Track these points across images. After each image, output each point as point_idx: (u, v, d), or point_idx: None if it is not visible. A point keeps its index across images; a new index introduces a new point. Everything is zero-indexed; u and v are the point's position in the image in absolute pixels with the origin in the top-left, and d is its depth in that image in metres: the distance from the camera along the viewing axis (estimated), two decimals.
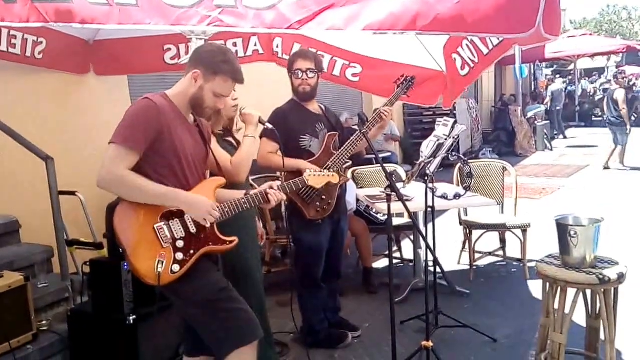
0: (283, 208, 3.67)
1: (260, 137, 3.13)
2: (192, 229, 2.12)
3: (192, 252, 2.10)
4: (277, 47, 4.20)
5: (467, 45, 3.42)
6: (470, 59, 3.48)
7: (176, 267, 2.07)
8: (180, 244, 2.09)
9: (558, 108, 14.97)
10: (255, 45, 4.26)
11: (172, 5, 1.99)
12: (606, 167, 9.46)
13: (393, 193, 2.53)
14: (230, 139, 2.81)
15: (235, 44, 4.19)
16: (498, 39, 3.03)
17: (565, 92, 16.57)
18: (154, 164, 2.07)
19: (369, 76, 4.18)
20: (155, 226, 2.07)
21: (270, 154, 3.10)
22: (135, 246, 2.06)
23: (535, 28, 1.72)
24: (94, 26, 2.15)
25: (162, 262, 2.05)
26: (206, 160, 2.32)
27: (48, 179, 3.45)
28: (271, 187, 2.28)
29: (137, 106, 2.06)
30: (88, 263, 3.17)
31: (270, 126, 2.61)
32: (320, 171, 2.43)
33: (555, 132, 14.58)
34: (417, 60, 4.01)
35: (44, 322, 3.27)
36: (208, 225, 2.11)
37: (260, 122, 2.61)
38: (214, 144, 2.58)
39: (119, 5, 2.00)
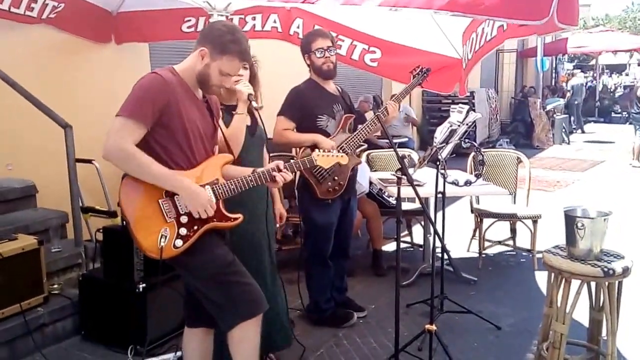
0: (296, 186, 3.70)
1: (278, 115, 3.15)
2: None
3: (195, 227, 2.10)
4: (298, 27, 4.18)
5: (482, 29, 3.39)
6: (478, 44, 3.46)
7: (179, 242, 2.07)
8: (184, 219, 2.09)
9: (577, 102, 14.75)
10: (275, 22, 4.25)
11: None
12: (636, 165, 9.30)
13: (403, 176, 2.53)
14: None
15: (254, 18, 4.19)
16: (504, 27, 3.01)
17: (586, 86, 16.30)
18: (160, 137, 2.07)
19: (387, 62, 4.15)
20: (160, 201, 2.07)
21: (286, 131, 3.12)
22: (139, 219, 2.06)
23: (549, 17, 1.70)
24: None
25: (165, 237, 2.05)
26: (214, 135, 2.31)
27: (66, 147, 3.52)
28: (278, 167, 2.25)
29: (145, 80, 2.05)
30: (101, 230, 3.25)
31: (256, 105, 2.50)
32: (330, 151, 2.39)
33: (574, 127, 14.40)
34: (436, 47, 3.97)
35: (55, 286, 3.35)
36: (204, 216, 2.10)
37: (249, 99, 2.53)
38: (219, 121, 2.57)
39: None
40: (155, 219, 2.07)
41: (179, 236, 2.07)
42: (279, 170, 2.23)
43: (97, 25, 4.34)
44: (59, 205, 3.83)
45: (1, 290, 2.96)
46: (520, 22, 1.90)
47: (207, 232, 2.13)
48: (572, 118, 14.40)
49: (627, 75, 22.81)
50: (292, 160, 2.37)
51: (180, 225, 2.09)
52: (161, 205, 2.07)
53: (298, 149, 3.22)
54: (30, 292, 3.11)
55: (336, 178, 3.15)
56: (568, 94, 15.13)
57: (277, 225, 3.08)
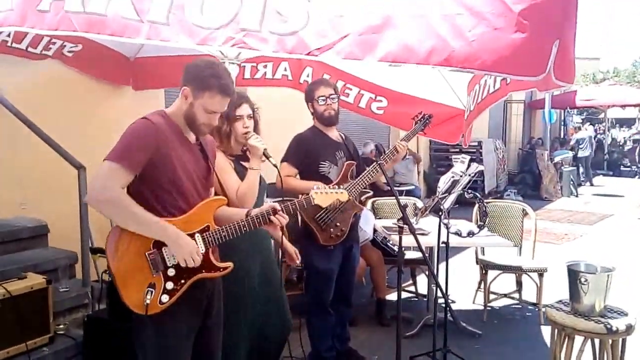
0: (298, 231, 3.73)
1: (281, 161, 3.24)
2: None
3: (182, 281, 2.04)
4: (308, 76, 4.33)
5: (484, 81, 3.50)
6: (481, 96, 3.57)
7: (165, 298, 2.00)
8: (171, 272, 2.02)
9: (584, 155, 14.80)
10: (285, 70, 4.39)
11: (200, 26, 2.01)
12: None
13: (405, 225, 2.57)
14: (246, 164, 2.72)
15: (265, 66, 4.34)
16: (507, 80, 3.11)
17: (595, 139, 16.40)
18: (151, 183, 2.02)
19: (393, 110, 4.28)
20: (146, 253, 1.99)
21: (288, 177, 3.18)
22: (124, 273, 1.98)
23: (546, 73, 1.77)
24: (123, 39, 2.17)
25: (152, 292, 1.98)
26: (208, 177, 2.25)
27: (79, 188, 3.60)
28: (274, 209, 2.17)
29: (135, 125, 2.02)
30: (107, 271, 3.29)
31: (273, 161, 2.54)
32: (328, 188, 2.32)
33: (582, 179, 14.40)
34: (441, 98, 4.11)
35: (61, 326, 3.35)
36: (202, 251, 2.05)
37: (265, 154, 2.56)
38: (227, 167, 2.59)
39: (150, 22, 2.03)
40: (141, 273, 1.99)
41: (165, 291, 2.01)
42: (275, 213, 2.16)
43: (115, 69, 4.48)
44: (69, 245, 3.89)
45: (8, 329, 2.96)
46: (517, 78, 1.98)
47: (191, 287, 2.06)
48: (580, 170, 14.43)
49: (636, 128, 22.92)
50: (288, 202, 2.27)
51: (167, 278, 2.02)
52: (147, 258, 1.99)
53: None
54: (36, 332, 3.11)
55: (338, 224, 3.20)
56: (572, 146, 15.23)
57: (297, 262, 3.02)
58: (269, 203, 2.21)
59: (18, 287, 3.03)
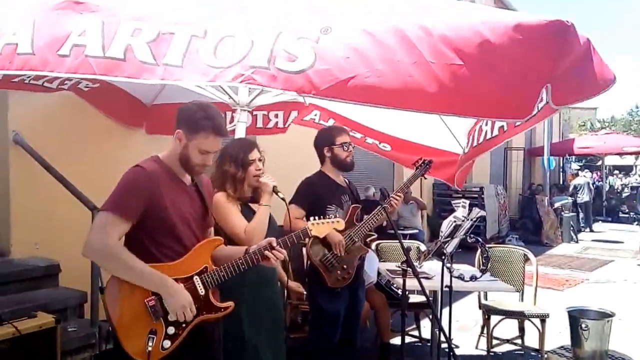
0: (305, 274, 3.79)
1: (289, 203, 3.34)
2: None
3: (184, 325, 2.05)
4: (315, 115, 4.46)
5: (479, 127, 3.62)
6: (477, 141, 3.69)
7: (167, 343, 2.00)
8: (172, 317, 2.03)
9: (583, 201, 14.91)
10: (295, 117, 4.53)
11: (212, 66, 2.05)
12: None
13: (409, 268, 2.65)
14: (254, 206, 2.83)
15: (277, 116, 4.48)
16: (504, 128, 3.26)
17: (593, 186, 16.53)
18: (147, 228, 2.04)
19: (398, 153, 4.44)
20: (145, 300, 2.00)
21: (296, 220, 3.23)
22: (125, 322, 1.98)
23: (531, 115, 1.91)
24: (139, 81, 2.24)
25: (153, 339, 1.97)
26: (205, 218, 2.27)
27: None
28: (270, 244, 2.18)
29: (128, 174, 2.06)
30: None
31: (282, 195, 2.65)
32: (323, 218, 2.35)
33: (582, 225, 14.45)
34: (443, 144, 4.25)
35: None
36: (202, 293, 2.07)
37: (274, 191, 2.67)
38: (232, 207, 2.66)
39: (165, 65, 2.07)
40: (141, 320, 1.99)
41: (167, 336, 2.02)
42: (272, 248, 2.17)
43: (130, 112, 4.57)
44: (79, 284, 3.94)
45: None
46: (506, 121, 2.05)
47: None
48: (580, 216, 14.49)
49: (633, 175, 23.14)
50: (286, 236, 2.30)
51: (168, 324, 2.03)
52: (147, 305, 2.00)
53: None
54: None
55: (345, 267, 3.28)
56: (572, 192, 15.35)
57: (303, 295, 3.03)
58: (267, 239, 2.24)
59: (28, 326, 3.06)
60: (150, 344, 1.96)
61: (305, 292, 3.03)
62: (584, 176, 15.84)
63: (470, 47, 1.85)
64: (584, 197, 14.74)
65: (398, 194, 3.40)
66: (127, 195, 2.01)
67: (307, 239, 3.36)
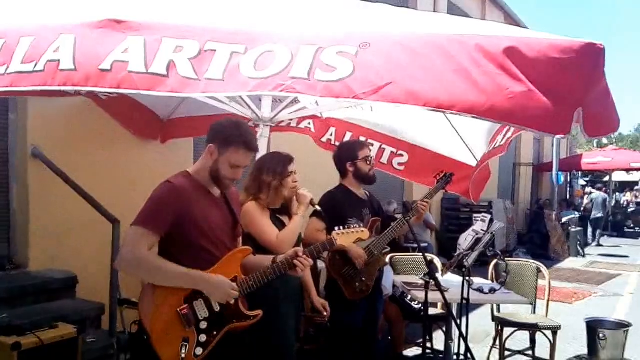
0: (322, 286, 3.83)
1: (310, 216, 3.39)
2: (216, 308, 2.15)
3: (215, 332, 2.12)
4: (331, 135, 4.50)
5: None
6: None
7: (199, 350, 2.08)
8: (203, 325, 2.11)
9: (598, 216, 14.92)
10: (309, 124, 4.52)
11: (253, 77, 2.07)
12: None
13: (431, 281, 2.68)
14: (283, 217, 2.93)
15: (291, 120, 4.39)
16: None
17: (607, 201, 16.56)
18: (177, 242, 2.13)
19: (414, 166, 4.44)
20: (178, 309, 2.09)
21: (318, 232, 3.28)
22: (158, 331, 2.07)
23: (569, 134, 1.95)
24: (181, 95, 2.25)
25: (186, 346, 2.05)
26: (235, 228, 2.35)
27: (112, 241, 3.72)
28: (297, 253, 2.26)
29: (159, 190, 2.15)
30: (137, 322, 3.36)
31: (319, 208, 2.78)
32: (348, 228, 2.40)
33: (590, 238, 14.45)
34: (459, 155, 4.29)
35: None
36: (232, 302, 2.14)
37: (312, 203, 2.80)
38: (262, 215, 2.74)
39: (207, 79, 2.10)
40: (174, 328, 2.08)
41: (199, 344, 2.09)
42: (298, 257, 2.25)
43: (146, 124, 4.58)
44: (96, 296, 3.98)
45: None
46: (547, 134, 2.06)
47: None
48: (590, 230, 14.49)
49: (637, 191, 23.11)
50: (312, 246, 2.36)
51: (200, 332, 2.10)
52: (180, 314, 2.08)
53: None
54: None
55: (364, 279, 3.31)
56: (586, 206, 15.35)
57: (326, 317, 3.08)
58: (294, 249, 2.32)
59: (50, 336, 3.09)
60: (183, 351, 2.05)
61: (327, 314, 3.08)
62: (600, 192, 15.91)
63: (506, 58, 1.89)
64: (597, 212, 14.76)
65: (425, 200, 3.45)
66: (157, 210, 2.11)
67: (326, 252, 3.43)
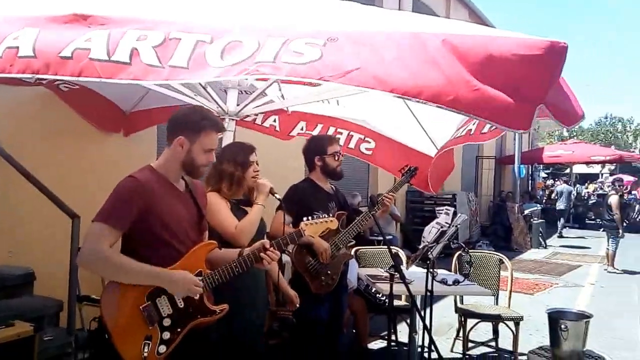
0: (286, 280, 3.81)
1: (276, 210, 3.37)
2: (180, 304, 2.11)
3: (179, 329, 2.09)
4: (302, 129, 4.50)
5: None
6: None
7: (162, 348, 2.04)
8: (167, 322, 2.07)
9: (561, 208, 15.38)
10: (274, 121, 4.52)
11: (218, 66, 2.05)
12: (611, 271, 9.60)
13: (396, 274, 2.71)
14: (246, 207, 2.89)
15: (256, 115, 4.40)
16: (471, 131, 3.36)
17: (572, 194, 17.09)
18: (141, 238, 2.09)
19: (380, 153, 4.51)
20: (141, 307, 2.05)
21: (284, 225, 3.27)
22: (120, 329, 2.02)
23: (530, 129, 1.99)
24: (144, 82, 2.22)
25: (149, 344, 2.01)
26: (201, 222, 2.31)
27: (71, 237, 3.61)
28: (264, 246, 2.24)
29: (121, 184, 2.10)
30: (97, 319, 3.28)
31: (278, 196, 2.73)
32: (316, 218, 2.39)
33: (561, 230, 14.95)
34: (422, 147, 4.34)
35: None
36: (197, 297, 2.10)
37: (271, 192, 2.75)
38: (222, 206, 2.71)
39: (171, 67, 2.07)
40: (137, 327, 2.03)
41: (162, 342, 2.05)
42: (265, 250, 2.23)
43: (107, 117, 4.49)
44: (53, 292, 3.88)
45: None
46: (507, 129, 2.06)
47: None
48: (562, 221, 15.00)
49: (600, 183, 23.93)
50: (279, 238, 2.34)
51: (163, 329, 2.07)
52: (142, 312, 2.04)
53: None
54: None
55: (330, 272, 3.31)
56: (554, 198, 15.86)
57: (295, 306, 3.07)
58: (260, 241, 2.29)
59: (5, 335, 2.99)
60: (145, 349, 2.00)
61: (298, 305, 3.08)
62: (565, 184, 16.42)
63: (472, 55, 1.91)
64: (561, 204, 15.21)
65: (390, 194, 3.48)
66: (119, 205, 2.06)
67: (291, 246, 3.42)
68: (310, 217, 2.40)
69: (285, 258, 3.72)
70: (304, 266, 3.25)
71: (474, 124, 3.45)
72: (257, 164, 2.84)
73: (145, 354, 1.99)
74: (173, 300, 2.10)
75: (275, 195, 2.72)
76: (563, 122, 2.35)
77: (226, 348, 2.56)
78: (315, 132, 4.44)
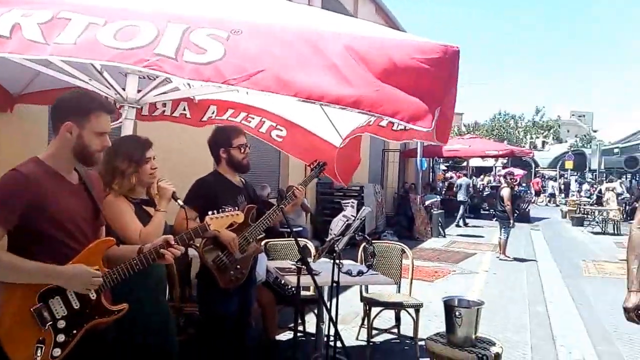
0: (193, 274, 3.73)
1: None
2: (75, 305, 1.99)
3: (74, 331, 1.97)
4: (213, 113, 4.33)
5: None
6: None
7: (57, 351, 1.92)
8: (61, 324, 1.95)
9: (461, 199, 16.36)
10: (184, 110, 4.33)
11: (111, 46, 1.92)
12: (503, 258, 10.33)
13: (303, 266, 2.73)
14: (149, 208, 2.75)
15: (164, 105, 4.26)
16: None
17: (470, 186, 18.21)
18: (30, 236, 1.94)
19: (291, 141, 4.48)
20: (32, 309, 1.91)
21: (189, 221, 3.15)
22: (9, 332, 1.88)
23: (431, 128, 2.07)
24: (24, 56, 2.04)
25: (41, 348, 1.89)
26: (97, 217, 2.17)
27: None
28: (167, 242, 2.13)
29: (4, 179, 1.94)
30: None
31: (182, 203, 2.59)
32: (222, 212, 2.33)
33: (459, 219, 15.91)
34: (332, 139, 4.38)
35: None
36: (94, 297, 2.00)
37: (174, 197, 2.61)
38: (126, 209, 2.57)
39: (56, 43, 1.92)
40: (28, 329, 1.90)
41: (56, 344, 1.93)
42: (169, 246, 2.13)
43: None
44: None
45: None
46: (412, 126, 2.12)
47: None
48: (461, 212, 15.98)
49: (493, 176, 25.74)
50: (183, 233, 2.25)
51: (57, 331, 1.94)
52: (33, 313, 1.91)
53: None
54: None
55: (239, 267, 3.26)
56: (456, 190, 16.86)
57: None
58: (163, 236, 2.18)
59: None
60: (39, 353, 1.90)
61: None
62: (465, 177, 17.47)
63: (375, 57, 1.95)
64: (461, 196, 16.17)
65: (300, 186, 3.46)
66: (3, 201, 1.90)
67: (198, 240, 3.32)
68: (216, 212, 2.33)
69: (193, 252, 3.61)
70: (212, 261, 3.17)
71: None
72: (154, 160, 2.68)
73: (39, 358, 1.89)
74: (68, 301, 1.98)
75: (178, 200, 2.58)
76: (442, 137, 2.48)
77: (127, 349, 2.44)
78: (225, 117, 4.29)
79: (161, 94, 3.20)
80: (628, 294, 2.63)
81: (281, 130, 4.45)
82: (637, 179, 27.16)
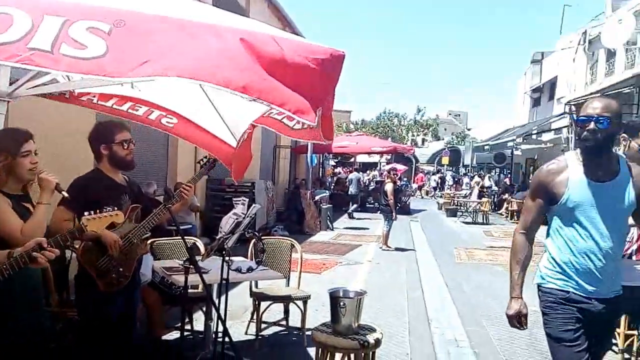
0: (71, 277, 3.54)
1: (58, 205, 3.05)
2: None
3: None
4: (94, 97, 4.01)
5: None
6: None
7: None
8: None
9: (353, 193, 17.04)
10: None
11: None
12: (385, 249, 10.90)
13: (191, 266, 2.72)
14: (27, 204, 2.61)
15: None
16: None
17: (360, 180, 19.06)
18: None
19: (184, 128, 4.25)
20: None
21: (65, 222, 2.94)
22: None
23: (315, 123, 2.18)
24: None
25: None
26: None
27: None
28: (40, 244, 2.01)
29: None
30: None
31: (66, 194, 2.49)
32: (99, 212, 2.23)
33: (352, 212, 16.64)
34: (222, 135, 4.36)
35: None
36: None
37: (57, 189, 2.51)
38: (4, 205, 2.42)
39: None
40: None
41: None
42: (42, 249, 2.00)
43: None
44: None
45: None
46: (299, 118, 2.18)
47: None
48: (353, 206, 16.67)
49: (379, 172, 27.01)
50: (57, 235, 2.14)
51: None
52: None
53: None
54: None
55: (121, 269, 3.13)
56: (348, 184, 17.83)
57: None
58: (35, 239, 2.06)
59: None
60: None
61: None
62: (355, 172, 18.33)
63: (265, 51, 2.01)
64: (352, 189, 17.05)
65: (189, 185, 3.37)
66: None
67: (77, 242, 3.15)
68: (92, 212, 2.22)
69: (72, 253, 3.45)
70: (93, 263, 3.02)
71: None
72: (35, 154, 2.54)
73: None
74: None
75: (63, 192, 2.48)
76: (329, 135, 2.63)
77: None
78: (108, 105, 3.97)
79: (36, 86, 2.99)
80: (510, 300, 2.57)
81: (171, 119, 4.21)
82: (504, 173, 29.93)
